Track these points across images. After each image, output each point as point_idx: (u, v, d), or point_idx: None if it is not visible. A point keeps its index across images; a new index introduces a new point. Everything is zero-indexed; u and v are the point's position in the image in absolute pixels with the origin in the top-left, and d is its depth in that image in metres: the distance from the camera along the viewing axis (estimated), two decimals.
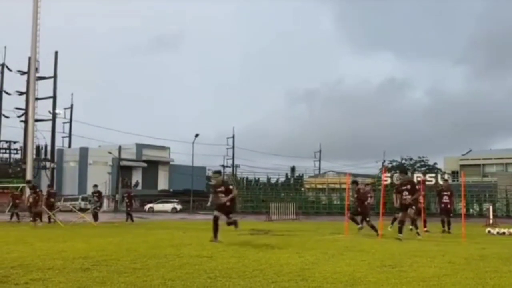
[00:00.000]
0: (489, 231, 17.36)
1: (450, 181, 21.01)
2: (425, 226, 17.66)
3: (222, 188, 12.27)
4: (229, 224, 12.41)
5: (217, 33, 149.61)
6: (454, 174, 57.53)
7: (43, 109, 64.81)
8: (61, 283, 5.91)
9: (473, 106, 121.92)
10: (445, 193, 17.81)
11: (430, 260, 8.43)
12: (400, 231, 13.12)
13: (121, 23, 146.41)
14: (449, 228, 17.28)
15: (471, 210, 47.83)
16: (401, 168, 14.07)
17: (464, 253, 9.66)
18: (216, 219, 12.01)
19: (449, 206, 17.67)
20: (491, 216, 25.66)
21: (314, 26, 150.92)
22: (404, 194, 13.36)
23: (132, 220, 25.36)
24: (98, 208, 24.38)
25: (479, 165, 65.77)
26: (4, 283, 5.92)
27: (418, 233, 14.45)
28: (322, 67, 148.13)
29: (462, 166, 62.01)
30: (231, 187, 12.53)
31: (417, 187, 13.86)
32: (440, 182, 18.34)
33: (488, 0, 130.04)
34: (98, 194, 24.93)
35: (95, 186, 25.80)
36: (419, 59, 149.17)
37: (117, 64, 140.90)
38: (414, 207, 13.47)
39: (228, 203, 12.16)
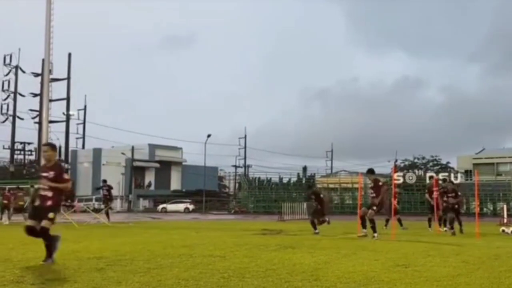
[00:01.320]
0: (503, 230, 17.22)
1: (457, 181, 20.99)
2: (440, 225, 17.55)
3: (51, 173, 7.49)
4: (40, 235, 7.49)
5: (230, 32, 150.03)
6: (468, 173, 57.03)
7: (57, 110, 65.42)
8: (76, 283, 5.97)
9: (487, 104, 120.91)
10: (450, 194, 17.77)
11: (444, 259, 8.40)
12: (373, 230, 13.31)
13: (133, 23, 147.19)
14: (460, 227, 17.21)
15: (485, 209, 47.45)
16: (369, 169, 14.53)
17: (478, 253, 9.60)
18: (29, 230, 7.46)
19: (456, 206, 17.58)
20: (505, 215, 25.43)
21: (327, 24, 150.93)
22: (370, 192, 13.82)
23: (108, 218, 23.58)
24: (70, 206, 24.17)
25: (492, 163, 65.08)
26: (20, 283, 5.99)
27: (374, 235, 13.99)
28: (334, 66, 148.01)
29: (475, 165, 61.40)
30: (66, 176, 7.83)
31: (380, 183, 13.99)
32: (453, 180, 18.35)
33: None
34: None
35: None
36: (432, 57, 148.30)
37: (129, 64, 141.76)
38: (375, 207, 13.55)
39: (49, 201, 7.44)
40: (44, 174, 7.58)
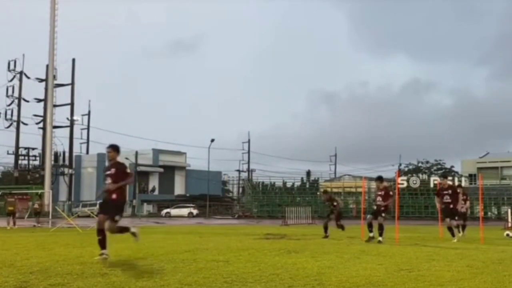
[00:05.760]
0: (507, 234, 17.15)
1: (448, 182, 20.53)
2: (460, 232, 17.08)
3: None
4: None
5: (235, 36, 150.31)
6: (472, 177, 56.90)
7: (61, 115, 65.70)
8: None
9: (492, 108, 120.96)
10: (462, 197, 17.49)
11: (447, 264, 8.38)
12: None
13: (137, 28, 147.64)
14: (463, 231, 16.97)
15: (489, 213, 47.35)
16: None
17: (482, 257, 9.58)
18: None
19: (464, 211, 17.30)
20: (509, 219, 25.37)
21: (335, 28, 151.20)
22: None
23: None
24: None
25: (497, 167, 64.89)
26: None
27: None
28: (340, 70, 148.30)
29: (479, 169, 61.22)
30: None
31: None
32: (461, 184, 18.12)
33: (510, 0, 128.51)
34: None
35: None
36: (438, 61, 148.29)
37: (133, 69, 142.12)
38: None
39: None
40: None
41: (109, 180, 8.53)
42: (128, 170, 8.81)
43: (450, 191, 14.71)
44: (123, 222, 8.91)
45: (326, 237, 15.57)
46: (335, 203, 16.80)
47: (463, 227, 16.93)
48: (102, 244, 8.44)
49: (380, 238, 13.46)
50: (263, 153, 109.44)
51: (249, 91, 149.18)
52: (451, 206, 14.39)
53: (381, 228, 13.71)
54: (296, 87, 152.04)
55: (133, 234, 8.74)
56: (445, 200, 14.57)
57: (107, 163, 9.09)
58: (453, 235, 14.24)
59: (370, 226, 13.91)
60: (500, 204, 48.36)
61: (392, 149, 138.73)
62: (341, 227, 16.66)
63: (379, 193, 14.10)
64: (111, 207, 8.48)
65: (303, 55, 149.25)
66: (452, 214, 14.34)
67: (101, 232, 8.46)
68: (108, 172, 8.61)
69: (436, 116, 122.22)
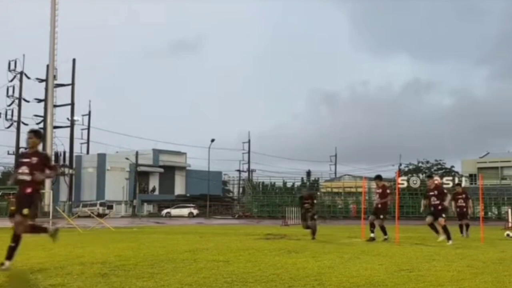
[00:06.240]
0: (508, 235, 17.14)
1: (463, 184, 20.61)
2: (461, 232, 17.03)
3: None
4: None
5: (235, 36, 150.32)
6: (472, 177, 56.90)
7: (61, 116, 65.76)
8: None
9: (492, 108, 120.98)
10: (460, 196, 17.53)
11: (448, 264, 8.37)
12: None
13: (137, 28, 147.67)
14: (466, 230, 17.03)
15: (489, 214, 47.31)
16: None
17: (483, 257, 9.57)
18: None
19: (465, 210, 17.28)
20: (510, 219, 25.36)
21: (336, 28, 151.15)
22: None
23: None
24: None
25: (497, 167, 64.86)
26: None
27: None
28: (340, 70, 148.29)
29: (480, 169, 61.20)
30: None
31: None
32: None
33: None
34: None
35: None
36: (438, 61, 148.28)
37: (133, 69, 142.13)
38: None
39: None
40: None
41: (25, 170, 7.34)
42: (53, 163, 7.84)
43: (436, 192, 13.90)
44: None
45: (312, 237, 14.96)
46: (314, 201, 16.58)
47: (467, 226, 17.02)
48: (10, 252, 7.27)
49: (385, 237, 13.88)
50: (263, 153, 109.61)
51: (249, 91, 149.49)
52: (440, 207, 13.69)
53: (382, 229, 14.04)
54: (296, 87, 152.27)
55: (51, 235, 7.74)
56: (432, 202, 13.80)
57: (26, 150, 7.98)
58: (449, 236, 13.30)
59: (372, 226, 14.01)
60: (500, 204, 48.32)
61: (392, 149, 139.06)
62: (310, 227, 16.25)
63: (378, 191, 14.34)
64: (23, 201, 7.41)
65: (303, 55, 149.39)
66: (440, 215, 13.62)
67: (15, 237, 7.36)
68: (26, 160, 7.43)
69: (436, 116, 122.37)
